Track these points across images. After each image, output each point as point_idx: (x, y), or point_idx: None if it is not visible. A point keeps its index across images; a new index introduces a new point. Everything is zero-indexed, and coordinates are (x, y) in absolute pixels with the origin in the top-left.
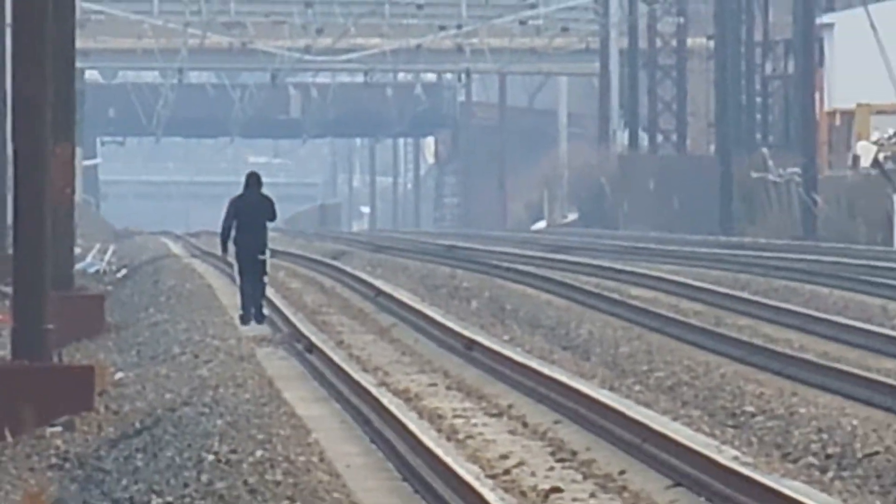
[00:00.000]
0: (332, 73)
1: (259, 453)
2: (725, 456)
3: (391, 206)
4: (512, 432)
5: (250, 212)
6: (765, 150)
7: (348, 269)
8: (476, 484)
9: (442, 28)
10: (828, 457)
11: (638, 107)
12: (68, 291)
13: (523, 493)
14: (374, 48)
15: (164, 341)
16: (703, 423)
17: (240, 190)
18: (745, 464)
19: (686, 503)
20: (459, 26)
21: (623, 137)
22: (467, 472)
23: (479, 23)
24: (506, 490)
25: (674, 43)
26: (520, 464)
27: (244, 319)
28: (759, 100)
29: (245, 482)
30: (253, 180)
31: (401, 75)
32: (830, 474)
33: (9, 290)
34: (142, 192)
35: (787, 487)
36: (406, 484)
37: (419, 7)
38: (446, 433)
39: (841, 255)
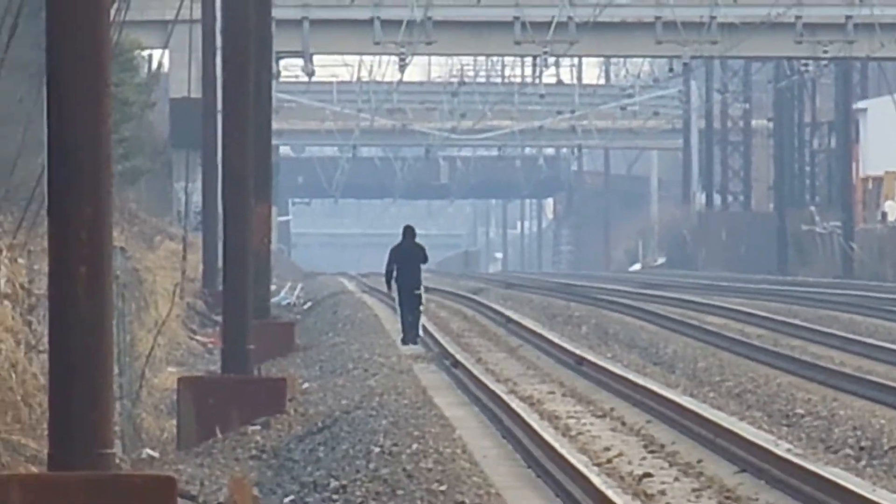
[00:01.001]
0: (473, 148)
1: (415, 446)
2: (781, 448)
3: (519, 252)
4: (613, 430)
5: (407, 257)
6: (812, 208)
7: (485, 301)
8: (585, 470)
9: (559, 112)
10: (861, 449)
11: (713, 174)
12: (266, 319)
13: (622, 478)
14: (505, 128)
15: (341, 359)
16: (763, 423)
17: (399, 240)
18: (796, 454)
19: (750, 485)
20: (573, 111)
21: (701, 198)
22: (578, 461)
23: (589, 108)
24: (608, 475)
25: (741, 124)
26: (619, 454)
27: (404, 341)
28: (808, 168)
29: (404, 469)
30: (409, 232)
31: (527, 150)
32: (863, 462)
33: (219, 318)
34: (324, 242)
35: (829, 473)
36: (530, 470)
37: (541, 96)
38: (562, 430)
39: (872, 291)
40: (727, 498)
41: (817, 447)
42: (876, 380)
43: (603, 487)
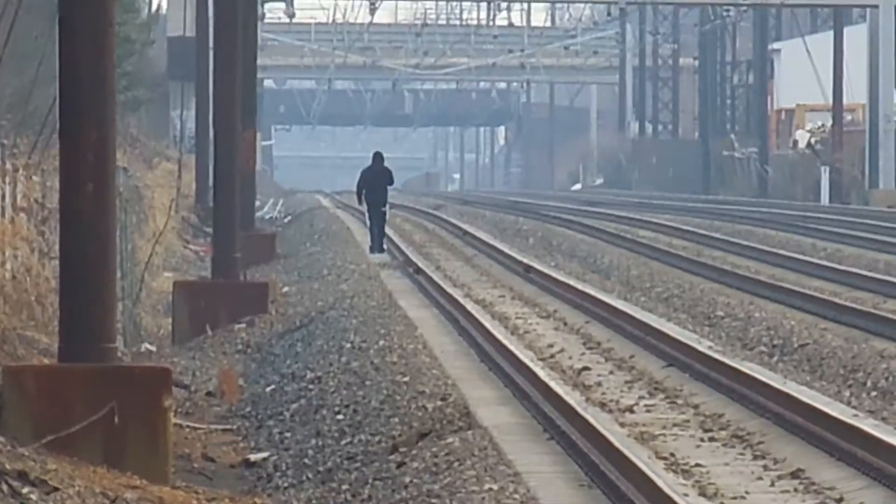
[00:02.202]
0: (434, 82)
1: (381, 343)
2: (703, 345)
3: (474, 174)
4: (556, 329)
5: (376, 177)
6: (732, 136)
7: (444, 216)
8: (531, 364)
9: (510, 51)
10: (774, 346)
11: (645, 106)
12: (250, 231)
13: (563, 371)
14: (463, 65)
15: (317, 266)
16: (688, 324)
17: (369, 163)
18: (716, 351)
19: (676, 378)
20: (522, 50)
21: (635, 127)
22: (525, 356)
23: (536, 48)
24: (551, 368)
25: (670, 62)
26: (561, 350)
27: (372, 250)
28: (728, 101)
29: (372, 362)
30: (378, 157)
31: (481, 84)
32: (776, 359)
33: (210, 230)
34: (302, 164)
35: (745, 367)
36: (483, 364)
37: (495, 37)
38: (511, 329)
39: (784, 209)
40: (655, 389)
41: (735, 345)
42: (788, 286)
43: (546, 379)
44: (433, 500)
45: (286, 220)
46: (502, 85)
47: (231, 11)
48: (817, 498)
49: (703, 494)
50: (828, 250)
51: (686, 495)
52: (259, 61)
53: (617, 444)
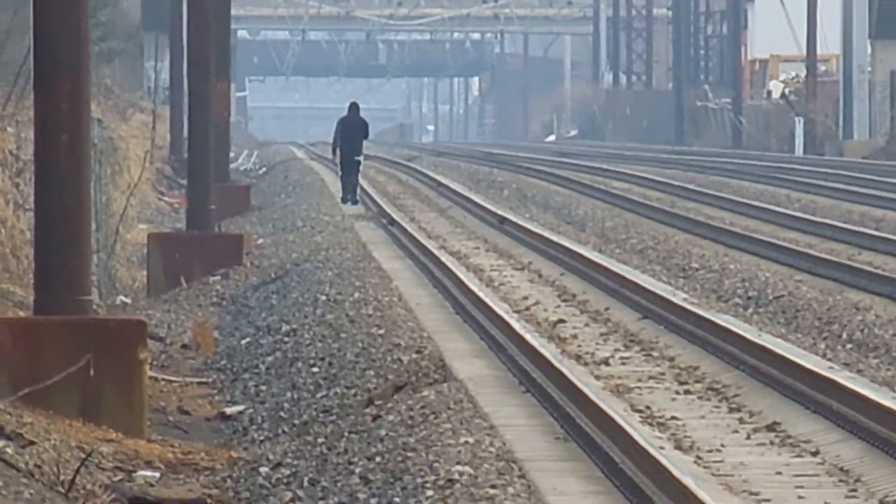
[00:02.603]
0: (408, 32)
1: (356, 295)
2: (678, 297)
3: (448, 125)
4: (531, 281)
5: (351, 128)
6: (706, 86)
7: (418, 167)
8: (506, 316)
9: (484, 1)
10: (749, 298)
11: (619, 57)
12: (225, 183)
13: (538, 323)
14: (436, 15)
15: (291, 217)
16: (663, 275)
17: (344, 113)
18: (691, 303)
19: (651, 330)
20: (496, 0)
21: (608, 78)
22: (500, 308)
23: None
24: (527, 321)
25: (644, 12)
26: (536, 303)
27: (344, 201)
28: (702, 52)
29: (346, 315)
30: (354, 107)
31: (455, 35)
32: (751, 311)
33: (185, 181)
34: (276, 115)
35: (721, 319)
36: (458, 316)
37: None
38: (485, 281)
39: (758, 160)
40: (631, 341)
41: (710, 297)
42: (762, 238)
43: (521, 331)
44: (409, 454)
45: (261, 172)
46: (476, 36)
47: None
48: (793, 451)
49: (678, 447)
50: (802, 201)
51: (662, 448)
52: (233, 11)
53: (592, 397)
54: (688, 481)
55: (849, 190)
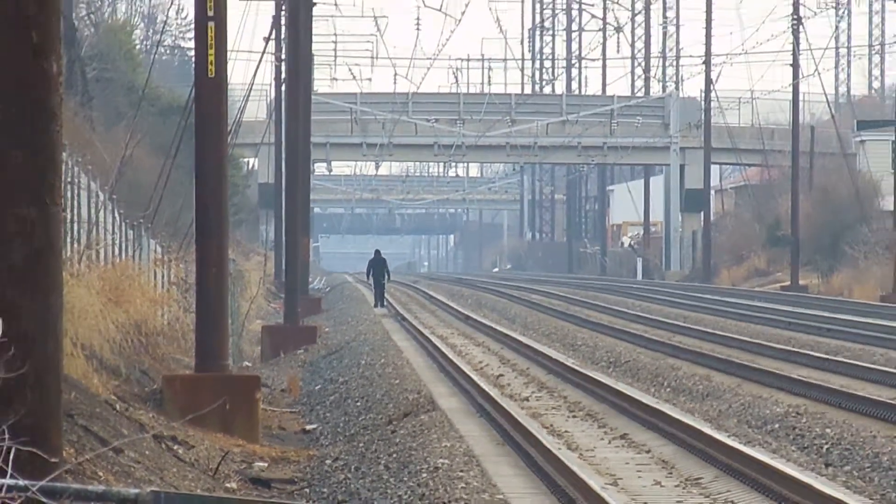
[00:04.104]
0: (413, 208)
1: (382, 360)
2: (569, 362)
3: (436, 262)
4: (483, 352)
5: (377, 263)
6: (585, 240)
7: (419, 287)
8: (467, 370)
9: (456, 191)
10: (610, 362)
11: (535, 222)
12: (306, 295)
13: (486, 376)
14: (429, 199)
15: (344, 316)
16: (560, 349)
17: (372, 255)
18: (577, 364)
19: (554, 381)
20: (463, 190)
21: (529, 235)
22: (464, 367)
23: (471, 190)
24: (479, 373)
25: (549, 196)
26: (487, 364)
27: (375, 305)
28: (583, 219)
29: (377, 372)
30: (377, 252)
31: (440, 210)
32: (611, 369)
33: (283, 296)
34: (336, 257)
35: (593, 374)
36: (441, 373)
37: (447, 183)
38: (457, 352)
39: (615, 282)
40: (541, 387)
41: (587, 361)
42: (618, 327)
43: (476, 378)
44: (413, 452)
45: (327, 290)
46: (452, 210)
47: (294, 168)
48: (637, 449)
49: (569, 447)
50: (641, 306)
51: (559, 448)
52: (311, 196)
53: (519, 419)
54: (574, 468)
55: (669, 300)
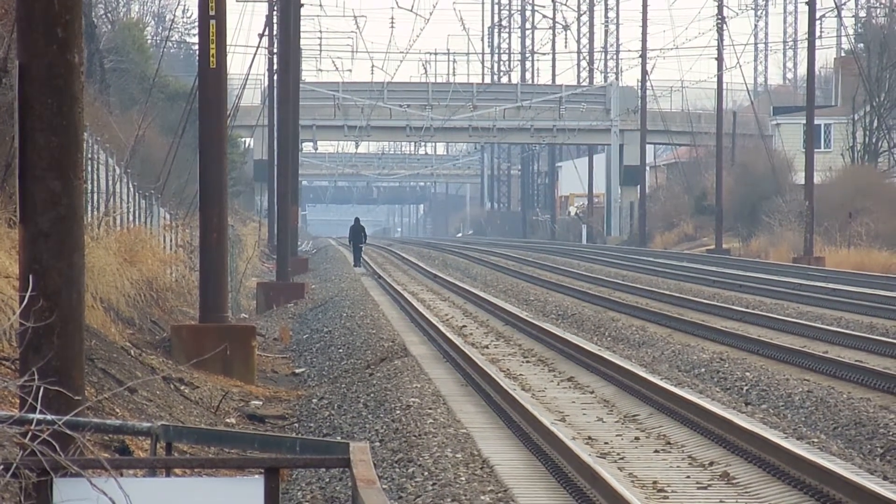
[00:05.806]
0: (388, 182)
1: (361, 313)
2: (524, 314)
3: (408, 228)
4: (449, 306)
5: (356, 230)
6: (537, 208)
7: (393, 250)
8: (435, 321)
9: (426, 167)
10: (559, 315)
11: (493, 194)
12: (295, 256)
13: (452, 327)
14: (403, 174)
15: (328, 274)
16: (516, 304)
17: (352, 223)
18: (530, 317)
19: (510, 331)
20: (432, 166)
21: (488, 204)
22: (433, 319)
23: (438, 166)
24: (446, 324)
25: (506, 171)
26: (451, 317)
27: (354, 266)
28: (535, 191)
29: (357, 323)
30: (356, 220)
31: (412, 183)
32: (559, 322)
33: (275, 257)
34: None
35: (545, 325)
36: (413, 324)
37: (418, 160)
38: (426, 306)
39: (563, 246)
40: (499, 336)
41: (539, 314)
42: (565, 285)
43: (443, 329)
44: (388, 392)
45: (313, 252)
46: (422, 183)
47: (284, 147)
48: (581, 391)
49: (522, 388)
50: (585, 267)
51: (514, 389)
52: (299, 171)
53: (480, 363)
54: (528, 406)
55: (609, 261)
